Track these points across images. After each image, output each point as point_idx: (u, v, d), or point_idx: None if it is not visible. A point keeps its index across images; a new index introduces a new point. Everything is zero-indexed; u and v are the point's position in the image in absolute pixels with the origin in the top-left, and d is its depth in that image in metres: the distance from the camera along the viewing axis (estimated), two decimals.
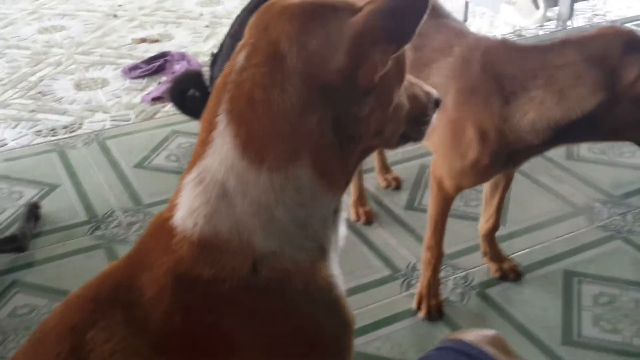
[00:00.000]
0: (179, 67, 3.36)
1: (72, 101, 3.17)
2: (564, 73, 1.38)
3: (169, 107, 2.92)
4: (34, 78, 3.39)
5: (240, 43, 0.85)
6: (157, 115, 2.83)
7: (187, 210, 0.81)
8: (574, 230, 2.03)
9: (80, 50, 3.62)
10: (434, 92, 0.99)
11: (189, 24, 3.88)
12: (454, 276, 1.85)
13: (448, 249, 1.76)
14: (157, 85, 3.29)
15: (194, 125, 2.44)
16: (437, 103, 0.99)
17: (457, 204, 2.01)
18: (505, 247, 1.91)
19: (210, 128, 0.82)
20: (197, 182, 0.82)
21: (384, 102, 0.85)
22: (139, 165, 2.29)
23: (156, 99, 3.15)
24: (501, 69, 1.45)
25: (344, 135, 0.82)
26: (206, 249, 0.80)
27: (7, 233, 1.95)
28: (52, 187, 2.19)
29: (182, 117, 2.48)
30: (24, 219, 1.99)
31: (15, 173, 2.26)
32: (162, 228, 0.83)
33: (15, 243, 1.91)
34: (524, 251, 1.95)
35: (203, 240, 0.80)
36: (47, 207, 2.09)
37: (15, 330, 1.72)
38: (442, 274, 1.78)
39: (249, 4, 2.48)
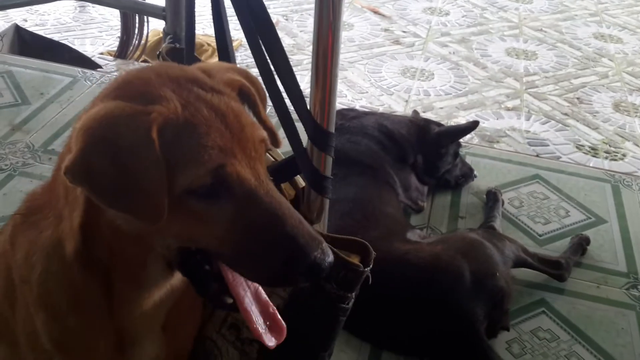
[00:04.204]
0: None
1: (606, 119, 3.06)
2: None
3: None
4: (576, 82, 3.36)
5: None
6: None
7: None
8: None
9: (629, 70, 3.46)
10: None
11: None
12: None
13: None
14: None
15: None
16: None
17: None
18: None
19: None
20: None
21: None
22: None
23: None
24: None
25: None
26: None
27: (554, 257, 1.93)
28: (599, 221, 2.12)
29: None
30: (572, 249, 1.96)
31: (567, 189, 2.24)
32: None
33: (558, 270, 1.89)
34: None
35: None
36: (590, 238, 2.03)
37: (533, 350, 1.72)
38: None
39: None
